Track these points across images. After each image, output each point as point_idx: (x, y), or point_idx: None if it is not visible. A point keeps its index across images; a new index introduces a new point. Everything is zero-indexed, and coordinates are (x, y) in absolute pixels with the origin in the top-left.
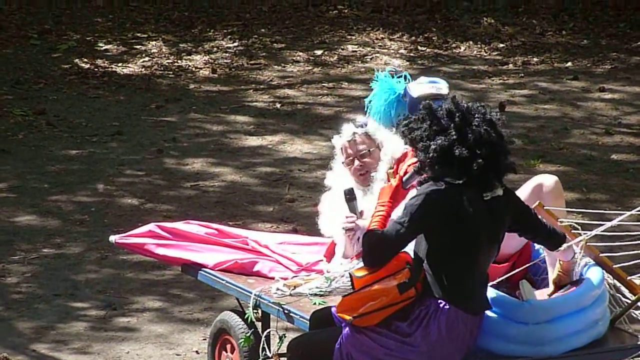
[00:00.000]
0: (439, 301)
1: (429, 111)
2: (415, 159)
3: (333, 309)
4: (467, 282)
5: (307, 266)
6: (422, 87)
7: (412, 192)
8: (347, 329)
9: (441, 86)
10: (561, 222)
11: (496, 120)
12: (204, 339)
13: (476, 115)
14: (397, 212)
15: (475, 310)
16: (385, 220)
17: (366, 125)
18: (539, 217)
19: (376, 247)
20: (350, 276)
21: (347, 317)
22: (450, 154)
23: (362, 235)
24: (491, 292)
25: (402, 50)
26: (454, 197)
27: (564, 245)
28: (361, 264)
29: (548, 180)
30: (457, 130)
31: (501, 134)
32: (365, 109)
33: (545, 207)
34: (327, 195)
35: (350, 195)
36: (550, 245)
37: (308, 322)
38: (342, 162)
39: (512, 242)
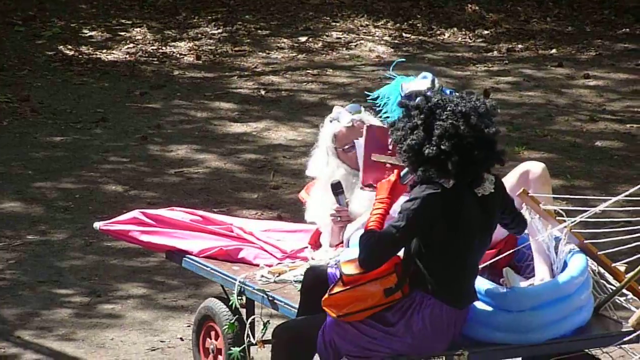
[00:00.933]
0: (425, 294)
1: (404, 109)
2: None
3: (329, 270)
4: (456, 278)
5: (292, 253)
6: (410, 85)
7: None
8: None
9: (426, 81)
10: (545, 209)
11: (470, 111)
12: (188, 326)
13: (448, 108)
14: (395, 209)
15: (461, 304)
16: (382, 219)
17: (360, 112)
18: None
19: (372, 250)
20: (339, 272)
21: (333, 314)
22: (421, 153)
23: (360, 235)
24: (476, 281)
25: (386, 37)
26: (450, 199)
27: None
28: (344, 255)
29: (535, 167)
30: (424, 127)
31: (475, 125)
32: (378, 104)
33: (529, 194)
34: (315, 183)
35: (337, 189)
36: (516, 231)
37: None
38: (337, 148)
39: (500, 227)
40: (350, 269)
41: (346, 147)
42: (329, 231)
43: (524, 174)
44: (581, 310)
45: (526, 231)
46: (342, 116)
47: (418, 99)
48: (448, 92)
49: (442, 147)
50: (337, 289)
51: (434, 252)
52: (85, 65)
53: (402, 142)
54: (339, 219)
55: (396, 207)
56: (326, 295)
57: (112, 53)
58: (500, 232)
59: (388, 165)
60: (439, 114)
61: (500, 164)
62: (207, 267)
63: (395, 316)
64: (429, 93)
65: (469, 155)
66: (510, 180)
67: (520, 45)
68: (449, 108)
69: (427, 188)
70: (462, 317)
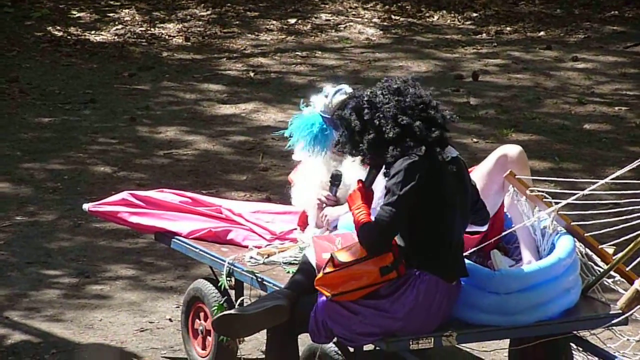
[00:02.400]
0: (417, 270)
1: (343, 121)
2: None
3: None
4: (444, 249)
5: (281, 235)
6: (332, 102)
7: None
8: (322, 297)
9: (344, 90)
10: (531, 191)
11: (403, 85)
12: (177, 307)
13: (384, 93)
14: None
15: (453, 277)
16: (369, 215)
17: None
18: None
19: (374, 234)
20: (332, 258)
21: (327, 293)
22: (384, 141)
23: (356, 231)
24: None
25: (375, 19)
26: (427, 164)
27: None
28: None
29: (512, 150)
30: (373, 121)
31: (415, 93)
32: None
33: (516, 177)
34: (300, 167)
35: (335, 180)
36: (478, 219)
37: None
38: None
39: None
40: (345, 257)
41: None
42: (314, 213)
43: (501, 158)
44: (569, 292)
45: (510, 214)
46: (316, 101)
47: (349, 104)
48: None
49: (403, 122)
50: (330, 269)
51: (420, 226)
52: (74, 46)
53: (358, 147)
54: (324, 205)
55: None
56: (320, 275)
57: (101, 34)
58: None
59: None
60: (379, 102)
61: (452, 121)
62: (196, 248)
63: (388, 292)
64: (356, 94)
65: (427, 116)
66: (487, 165)
67: (508, 28)
68: (384, 92)
69: (404, 160)
70: (454, 294)
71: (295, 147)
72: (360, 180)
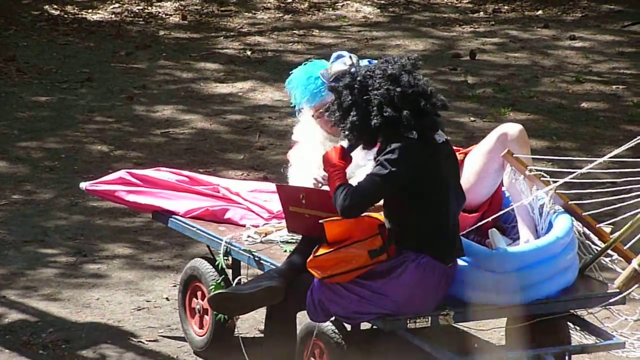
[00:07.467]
0: (414, 252)
1: (335, 92)
2: None
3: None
4: (441, 231)
5: (278, 214)
6: (331, 68)
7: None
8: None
9: (344, 59)
10: (530, 170)
11: (399, 71)
12: (174, 286)
13: (378, 76)
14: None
15: (449, 259)
16: (345, 177)
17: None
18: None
19: (354, 197)
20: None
21: (317, 276)
22: (367, 125)
23: (334, 190)
24: (462, 241)
25: None
26: (423, 147)
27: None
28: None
29: (513, 128)
30: (360, 102)
31: (408, 81)
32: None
33: (514, 155)
34: (296, 148)
35: None
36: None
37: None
38: (311, 115)
39: (481, 190)
40: (334, 227)
41: (315, 113)
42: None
43: (502, 137)
44: (566, 271)
45: (509, 193)
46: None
47: (344, 79)
48: (366, 62)
49: (385, 113)
50: (321, 251)
51: (416, 207)
52: (71, 25)
53: (343, 122)
54: (320, 185)
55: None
56: (311, 257)
57: (98, 13)
58: (482, 194)
59: (307, 215)
60: (371, 84)
61: (445, 109)
62: (193, 227)
63: (386, 275)
64: (352, 69)
65: (417, 107)
66: (487, 144)
67: (506, 7)
68: (379, 75)
69: (402, 139)
70: (450, 275)
71: (294, 96)
72: (341, 147)
